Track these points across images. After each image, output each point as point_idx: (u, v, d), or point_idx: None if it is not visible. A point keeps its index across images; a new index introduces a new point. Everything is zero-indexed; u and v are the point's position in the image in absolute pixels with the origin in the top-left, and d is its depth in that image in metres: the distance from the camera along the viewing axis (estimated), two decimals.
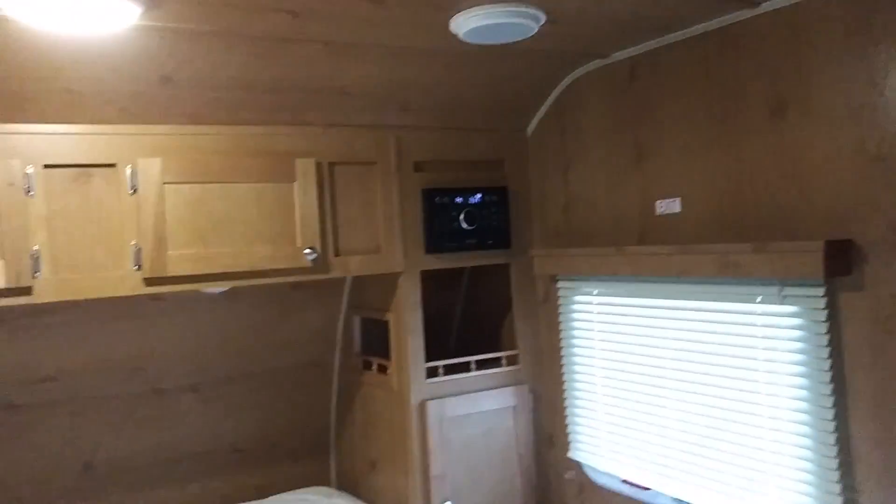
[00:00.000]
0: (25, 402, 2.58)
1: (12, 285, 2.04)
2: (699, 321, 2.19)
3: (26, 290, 2.07)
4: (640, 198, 2.41)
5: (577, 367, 2.68)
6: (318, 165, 2.45)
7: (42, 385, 2.59)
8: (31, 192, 2.08)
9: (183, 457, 2.86)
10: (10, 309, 2.41)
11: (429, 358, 2.69)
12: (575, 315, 2.67)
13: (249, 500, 2.90)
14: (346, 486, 3.08)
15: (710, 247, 2.08)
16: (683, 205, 2.27)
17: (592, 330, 2.58)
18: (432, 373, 2.70)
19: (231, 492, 2.92)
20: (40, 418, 2.61)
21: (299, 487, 3.02)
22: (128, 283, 2.20)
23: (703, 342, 2.18)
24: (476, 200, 2.72)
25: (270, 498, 2.92)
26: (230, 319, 2.82)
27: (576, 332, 2.67)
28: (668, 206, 2.31)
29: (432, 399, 2.66)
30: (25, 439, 2.60)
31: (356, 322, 3.00)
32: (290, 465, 3.06)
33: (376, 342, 2.89)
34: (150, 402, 2.78)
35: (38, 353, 2.55)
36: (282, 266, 2.39)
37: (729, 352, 2.10)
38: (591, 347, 2.60)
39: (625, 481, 2.49)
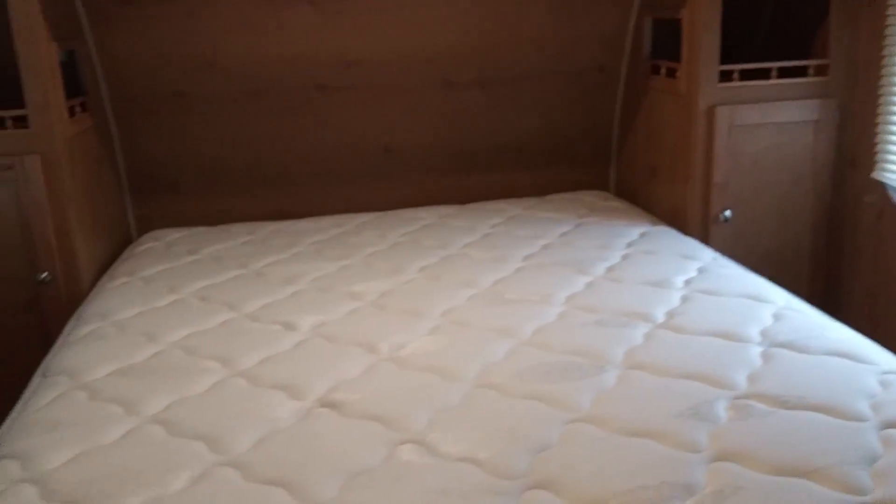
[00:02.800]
0: (333, 85, 2.83)
1: None
2: None
3: None
4: None
5: None
6: None
7: (347, 70, 2.81)
8: None
9: (470, 149, 3.02)
10: None
11: (724, 61, 2.50)
12: None
13: (529, 196, 3.04)
14: (623, 193, 3.09)
15: None
16: None
17: None
18: (726, 77, 2.51)
19: (511, 186, 3.07)
20: (345, 101, 2.87)
21: (578, 190, 3.09)
22: None
23: None
24: None
25: (549, 196, 3.04)
26: (519, 15, 2.79)
27: None
28: None
29: (722, 105, 2.49)
30: (334, 119, 2.89)
31: (647, 24, 2.83)
32: (570, 168, 3.12)
33: (667, 46, 2.72)
34: (441, 95, 2.92)
35: (344, 38, 2.75)
36: None
37: None
38: None
39: None
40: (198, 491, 1.28)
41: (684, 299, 2.00)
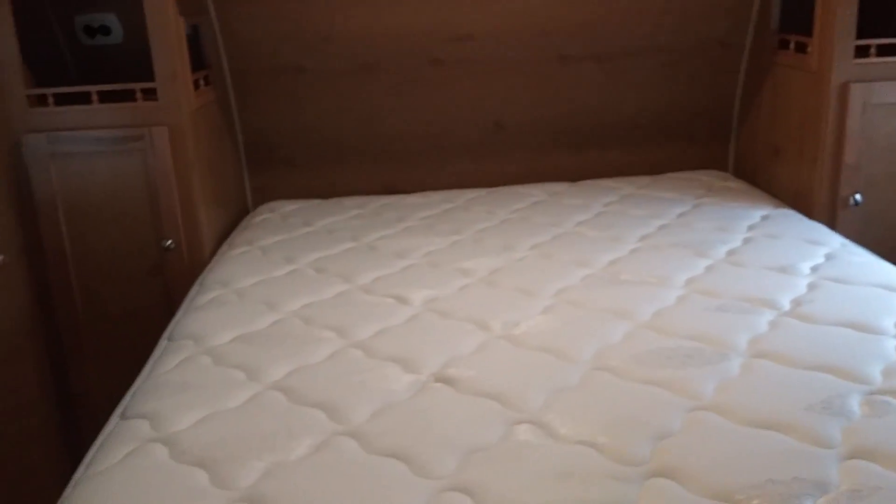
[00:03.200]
0: (447, 59, 2.82)
1: None
2: None
3: None
4: None
5: None
6: None
7: (461, 43, 2.78)
8: None
9: (582, 125, 2.95)
10: None
11: (861, 36, 2.35)
12: None
13: (643, 175, 2.96)
14: (742, 173, 2.97)
15: None
16: None
17: None
18: (861, 52, 2.36)
19: (625, 164, 2.99)
20: (458, 75, 2.84)
21: (694, 169, 2.99)
22: None
23: None
24: None
25: (664, 175, 2.95)
26: None
27: None
28: None
29: (857, 82, 2.35)
30: (446, 93, 2.88)
31: None
32: (687, 146, 3.01)
33: (796, 19, 2.58)
34: (555, 69, 2.86)
35: (458, 12, 2.72)
36: None
37: None
38: None
39: None
40: (319, 459, 1.30)
41: (811, 287, 1.90)
